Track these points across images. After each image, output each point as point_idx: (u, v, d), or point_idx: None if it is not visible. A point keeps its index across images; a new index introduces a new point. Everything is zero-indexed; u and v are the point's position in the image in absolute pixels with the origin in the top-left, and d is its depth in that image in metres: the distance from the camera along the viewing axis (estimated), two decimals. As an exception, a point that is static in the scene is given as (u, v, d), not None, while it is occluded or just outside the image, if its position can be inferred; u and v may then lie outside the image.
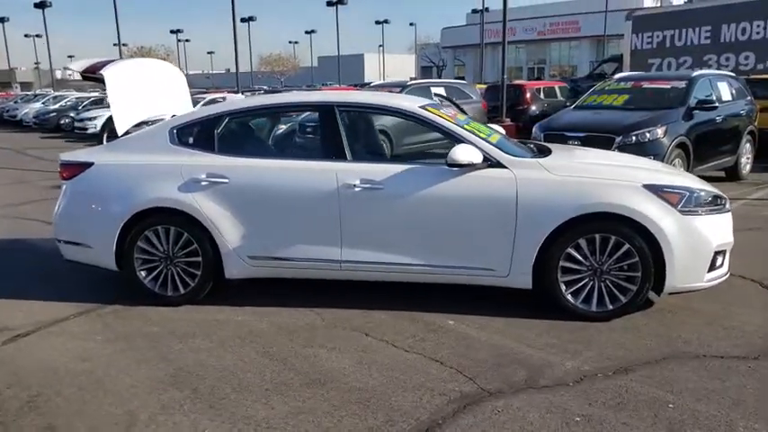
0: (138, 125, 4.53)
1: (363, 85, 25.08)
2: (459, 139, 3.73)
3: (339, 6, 44.47)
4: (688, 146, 7.23)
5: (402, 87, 11.20)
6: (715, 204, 3.71)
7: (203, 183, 3.90)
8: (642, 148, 6.62)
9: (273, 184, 3.85)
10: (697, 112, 7.51)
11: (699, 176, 4.52)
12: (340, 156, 3.84)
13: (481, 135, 3.85)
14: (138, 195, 3.96)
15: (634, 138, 6.92)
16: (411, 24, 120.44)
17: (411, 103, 4.08)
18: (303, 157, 4.17)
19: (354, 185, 3.73)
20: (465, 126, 3.89)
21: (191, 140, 4.14)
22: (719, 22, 14.58)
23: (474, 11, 48.28)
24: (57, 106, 24.77)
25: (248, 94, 20.80)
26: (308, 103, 4.46)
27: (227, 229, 3.90)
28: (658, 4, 34.65)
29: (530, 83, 16.97)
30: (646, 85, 8.35)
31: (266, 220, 3.88)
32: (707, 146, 7.63)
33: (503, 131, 4.59)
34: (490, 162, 3.67)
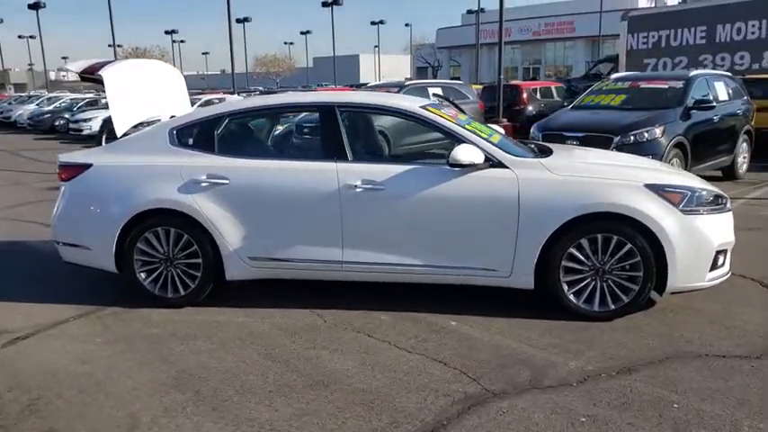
0: (135, 126, 4.51)
1: (359, 86, 25.06)
2: (460, 140, 3.72)
3: (334, 7, 44.43)
4: (686, 145, 7.25)
5: (399, 88, 11.21)
6: (716, 204, 3.72)
7: (203, 184, 3.88)
8: (640, 148, 6.63)
9: (274, 185, 3.83)
10: (694, 111, 7.53)
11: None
12: (341, 156, 3.83)
13: (482, 135, 3.85)
14: (138, 196, 3.93)
15: (632, 137, 6.94)
16: (406, 25, 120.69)
17: (412, 103, 4.07)
18: (304, 157, 4.15)
19: (356, 186, 3.72)
20: (466, 126, 3.89)
21: (190, 141, 4.12)
22: (715, 22, 14.64)
23: (469, 11, 48.41)
24: (51, 107, 24.68)
25: (244, 94, 20.77)
26: (308, 103, 4.44)
27: (228, 231, 3.87)
28: (653, 5, 34.79)
29: (526, 83, 17.00)
30: (643, 84, 8.37)
31: (267, 221, 3.86)
32: (704, 145, 7.65)
33: (502, 132, 4.59)
34: (492, 162, 3.66)
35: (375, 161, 3.97)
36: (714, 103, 7.79)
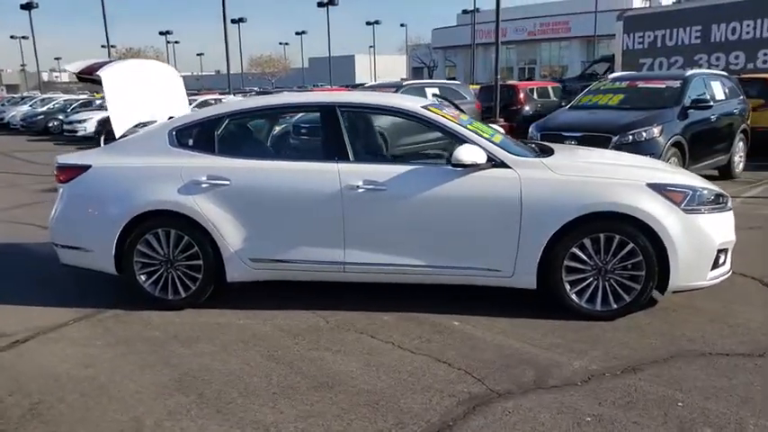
0: (134, 127, 4.48)
1: (355, 86, 25.04)
2: (462, 140, 3.72)
3: (330, 7, 44.40)
4: (683, 145, 7.28)
5: (397, 88, 11.19)
6: (717, 203, 3.73)
7: (204, 185, 3.86)
8: (639, 148, 6.65)
9: (275, 186, 3.81)
10: (692, 111, 7.56)
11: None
12: (342, 157, 3.81)
13: (484, 135, 3.84)
14: (138, 198, 3.91)
15: (631, 137, 6.96)
16: (402, 25, 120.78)
17: (414, 103, 4.07)
18: (305, 158, 4.13)
19: (358, 186, 3.70)
20: (468, 126, 3.88)
21: (190, 142, 4.10)
22: (710, 22, 14.71)
23: (464, 11, 48.41)
24: (44, 109, 24.55)
25: (240, 95, 20.72)
26: (309, 103, 4.42)
27: (229, 232, 3.86)
28: (647, 5, 34.93)
29: (523, 83, 17.02)
30: (641, 84, 8.39)
31: (268, 223, 3.84)
32: (702, 145, 7.68)
33: (502, 132, 4.59)
34: (494, 162, 3.66)
35: (377, 161, 3.95)
36: (711, 103, 7.82)
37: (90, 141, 16.17)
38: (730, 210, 3.83)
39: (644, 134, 6.99)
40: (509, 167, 3.65)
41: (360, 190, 3.70)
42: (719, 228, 3.67)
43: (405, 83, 12.36)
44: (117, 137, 4.34)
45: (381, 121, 4.81)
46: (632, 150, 6.24)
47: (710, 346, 3.30)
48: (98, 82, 4.37)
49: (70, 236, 4.13)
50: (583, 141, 6.96)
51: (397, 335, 3.52)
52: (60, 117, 21.84)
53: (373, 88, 13.29)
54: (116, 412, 2.76)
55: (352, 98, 4.29)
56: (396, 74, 55.48)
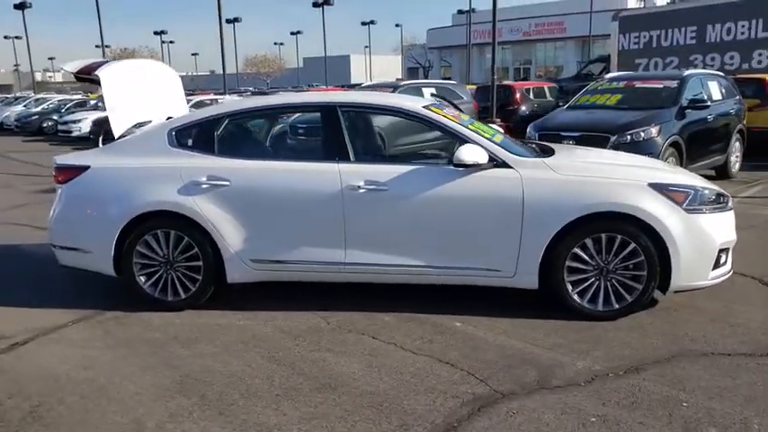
0: (133, 127, 4.45)
1: (351, 86, 25.01)
2: (464, 140, 3.71)
3: (325, 7, 44.33)
4: (681, 145, 7.30)
5: (394, 88, 11.18)
6: (718, 202, 3.73)
7: (204, 185, 3.84)
8: (637, 148, 6.66)
9: (276, 186, 3.79)
10: (689, 111, 7.59)
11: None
12: (343, 157, 3.80)
13: (486, 135, 3.84)
14: (137, 198, 3.88)
15: (629, 137, 6.97)
16: (397, 25, 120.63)
17: (414, 103, 4.05)
18: (306, 158, 4.11)
19: (358, 187, 3.69)
20: (469, 126, 3.88)
21: (190, 142, 4.07)
22: (705, 22, 14.78)
23: (460, 11, 48.49)
24: (39, 109, 24.43)
25: (236, 95, 20.67)
26: (310, 103, 4.40)
27: (229, 233, 3.83)
28: (642, 5, 35.07)
29: (519, 83, 17.05)
30: (638, 84, 8.42)
31: (268, 223, 3.82)
32: (699, 145, 7.71)
33: (503, 132, 4.58)
34: (496, 162, 3.65)
35: (378, 162, 3.94)
36: (708, 103, 7.85)
37: (85, 141, 16.09)
38: (731, 209, 3.84)
39: (642, 134, 7.00)
40: (511, 167, 3.65)
41: (361, 190, 3.69)
42: (721, 227, 3.68)
43: (402, 83, 12.35)
44: (116, 137, 4.31)
45: (382, 122, 4.79)
46: (630, 150, 6.25)
47: (712, 345, 3.30)
48: (96, 82, 4.34)
49: (69, 237, 4.10)
50: (581, 141, 6.97)
51: (398, 336, 3.51)
52: (55, 117, 21.72)
53: (371, 88, 13.27)
54: (116, 414, 2.74)
55: (352, 98, 4.27)
56: (391, 74, 55.44)
